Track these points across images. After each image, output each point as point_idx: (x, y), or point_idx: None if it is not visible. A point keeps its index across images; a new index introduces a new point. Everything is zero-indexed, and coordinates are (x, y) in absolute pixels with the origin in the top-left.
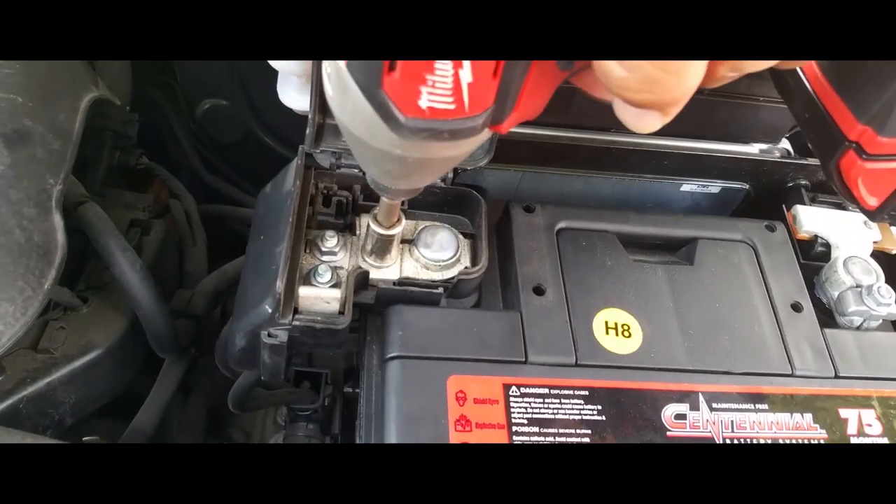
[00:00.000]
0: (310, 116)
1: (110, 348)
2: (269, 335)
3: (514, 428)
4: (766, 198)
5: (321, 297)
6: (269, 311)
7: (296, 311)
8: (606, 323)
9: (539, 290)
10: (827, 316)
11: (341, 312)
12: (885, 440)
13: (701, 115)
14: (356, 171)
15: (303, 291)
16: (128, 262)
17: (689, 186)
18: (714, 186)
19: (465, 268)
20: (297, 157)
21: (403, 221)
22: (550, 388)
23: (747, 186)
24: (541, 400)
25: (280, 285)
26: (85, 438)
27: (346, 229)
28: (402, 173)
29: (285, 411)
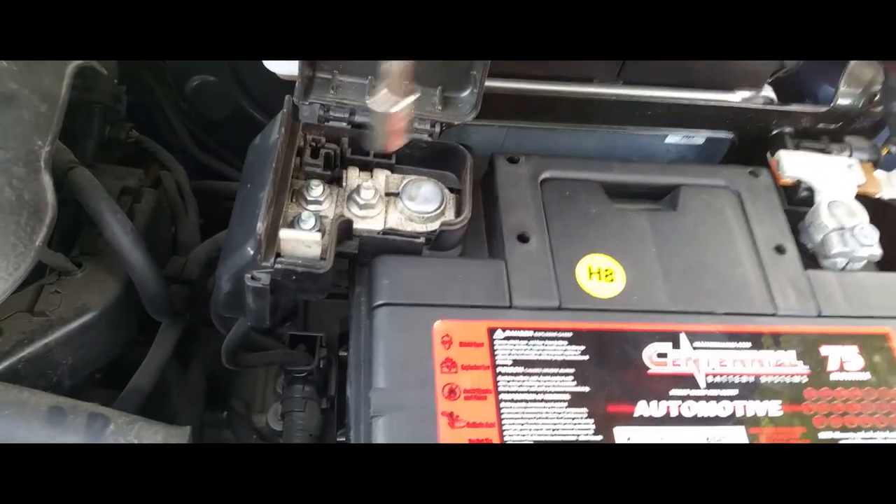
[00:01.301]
0: (299, 69)
1: (105, 310)
2: (253, 278)
3: (499, 368)
4: (752, 147)
5: (302, 241)
6: (252, 252)
7: (278, 255)
8: (590, 268)
9: (523, 238)
10: (812, 259)
11: (323, 258)
12: (866, 375)
13: (682, 63)
14: (344, 124)
15: (283, 234)
16: (118, 224)
17: (673, 138)
18: (699, 137)
19: (449, 220)
20: (284, 107)
21: None
22: (534, 330)
23: (732, 135)
24: (525, 342)
25: (261, 227)
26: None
27: (334, 181)
28: None
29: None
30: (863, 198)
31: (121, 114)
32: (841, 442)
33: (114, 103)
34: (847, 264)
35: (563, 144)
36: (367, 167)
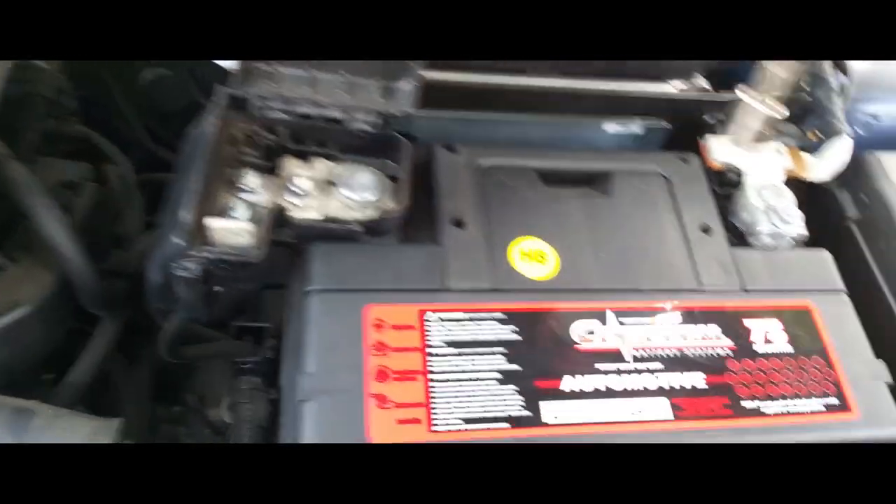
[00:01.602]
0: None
1: (38, 306)
2: (182, 267)
3: (430, 350)
4: (687, 134)
5: (231, 230)
6: (177, 241)
7: (209, 244)
8: (523, 251)
9: (459, 224)
10: (742, 240)
11: (255, 247)
12: (788, 347)
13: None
14: (282, 114)
15: (210, 223)
16: (51, 218)
17: (612, 128)
18: (636, 126)
19: (386, 207)
20: (215, 96)
21: None
22: (467, 312)
23: (668, 124)
24: (457, 323)
25: (185, 214)
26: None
27: (271, 171)
28: None
29: None
30: (791, 180)
31: (66, 107)
32: (762, 409)
33: (57, 96)
34: (774, 243)
35: (506, 134)
36: (306, 157)
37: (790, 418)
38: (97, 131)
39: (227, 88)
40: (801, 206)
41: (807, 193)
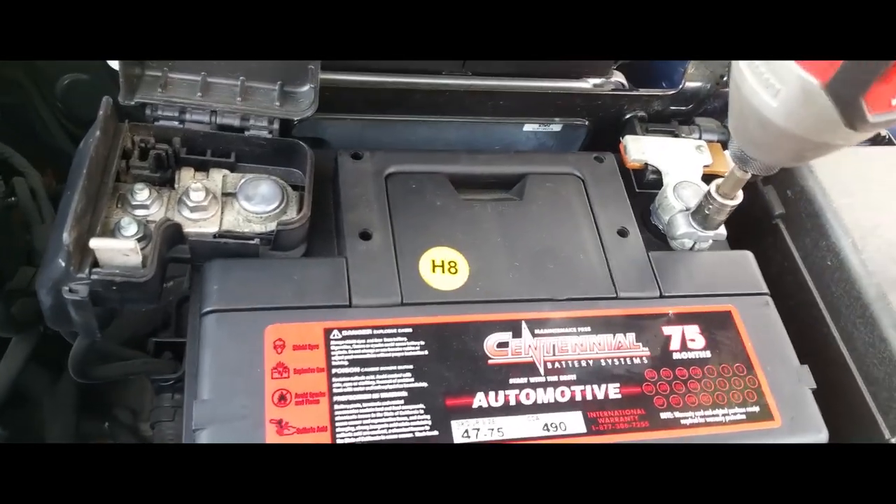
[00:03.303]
0: (122, 68)
1: None
2: (70, 290)
3: (334, 370)
4: (608, 131)
5: (117, 250)
6: (62, 264)
7: (96, 265)
8: (433, 262)
9: (365, 235)
10: (662, 241)
11: (144, 266)
12: (707, 353)
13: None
14: (175, 123)
15: (94, 243)
16: None
17: (530, 126)
18: (555, 125)
19: (286, 219)
20: (101, 108)
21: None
22: (373, 328)
23: (586, 122)
24: (363, 341)
25: (66, 237)
26: None
27: (165, 183)
28: (793, 158)
29: None
30: (712, 177)
31: None
32: (680, 420)
33: None
34: (695, 244)
35: (423, 137)
36: (203, 167)
37: (709, 428)
38: (19, 138)
39: (111, 98)
40: None
41: None
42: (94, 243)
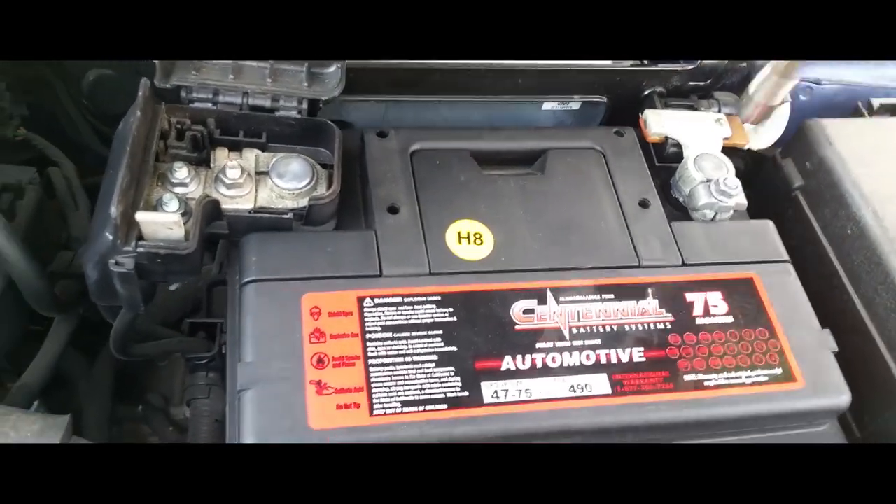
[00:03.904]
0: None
1: None
2: (117, 263)
3: (368, 335)
4: (627, 108)
5: (161, 223)
6: (110, 238)
7: (141, 238)
8: (459, 233)
9: (393, 209)
10: (683, 213)
11: (187, 239)
12: (730, 318)
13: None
14: (210, 104)
15: (140, 217)
16: None
17: (549, 105)
18: (574, 103)
19: (317, 195)
20: (140, 89)
21: None
22: (404, 296)
23: (605, 99)
24: (394, 308)
25: (115, 211)
26: None
27: (202, 163)
28: None
29: None
30: (732, 150)
31: (5, 111)
32: (703, 382)
33: None
34: (716, 215)
35: (444, 116)
36: (236, 147)
37: (733, 389)
38: (46, 135)
39: (149, 81)
40: (747, 176)
41: (753, 162)
42: (140, 216)
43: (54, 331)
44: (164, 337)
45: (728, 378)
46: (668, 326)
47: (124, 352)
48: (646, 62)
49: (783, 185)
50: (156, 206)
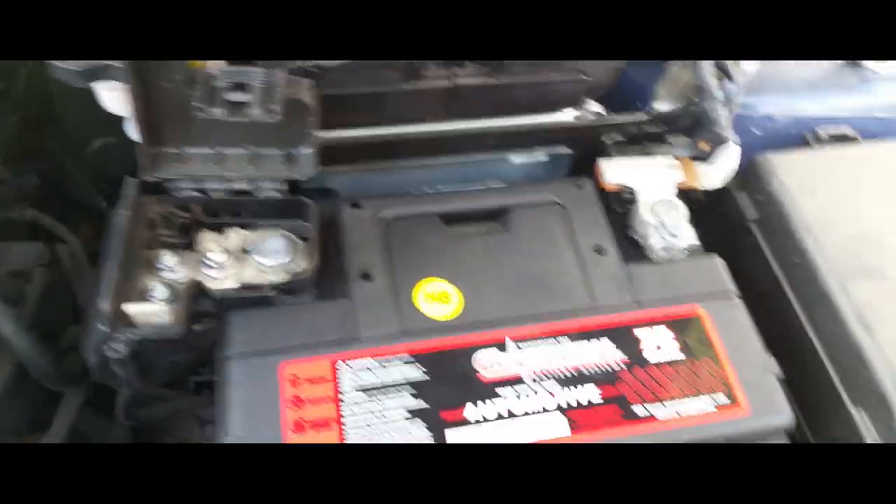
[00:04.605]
0: (139, 149)
1: (3, 389)
2: (111, 349)
3: (342, 397)
4: (591, 157)
5: (149, 313)
6: (101, 328)
7: (132, 324)
8: (426, 293)
9: (367, 277)
10: (641, 252)
11: (176, 324)
12: (678, 353)
13: (500, 97)
14: (193, 192)
15: (128, 308)
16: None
17: (519, 159)
18: (541, 155)
19: (297, 269)
20: (127, 188)
21: None
22: (376, 358)
23: (570, 151)
24: (367, 370)
25: (104, 304)
26: None
27: (188, 247)
28: None
29: None
30: (685, 192)
31: (12, 193)
32: (653, 414)
33: None
34: (668, 255)
35: (419, 178)
36: (220, 228)
37: (681, 420)
38: (58, 204)
39: (135, 178)
40: (704, 211)
41: (712, 195)
42: (129, 308)
43: (66, 401)
44: (170, 398)
45: (677, 409)
46: (622, 365)
47: (133, 418)
48: (605, 113)
49: (739, 217)
50: (145, 295)
